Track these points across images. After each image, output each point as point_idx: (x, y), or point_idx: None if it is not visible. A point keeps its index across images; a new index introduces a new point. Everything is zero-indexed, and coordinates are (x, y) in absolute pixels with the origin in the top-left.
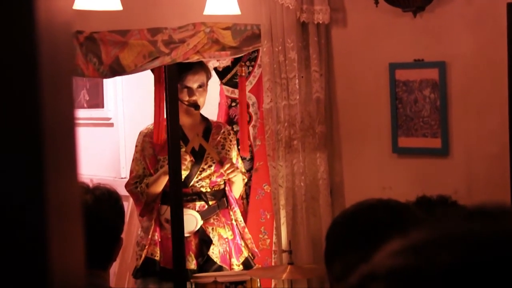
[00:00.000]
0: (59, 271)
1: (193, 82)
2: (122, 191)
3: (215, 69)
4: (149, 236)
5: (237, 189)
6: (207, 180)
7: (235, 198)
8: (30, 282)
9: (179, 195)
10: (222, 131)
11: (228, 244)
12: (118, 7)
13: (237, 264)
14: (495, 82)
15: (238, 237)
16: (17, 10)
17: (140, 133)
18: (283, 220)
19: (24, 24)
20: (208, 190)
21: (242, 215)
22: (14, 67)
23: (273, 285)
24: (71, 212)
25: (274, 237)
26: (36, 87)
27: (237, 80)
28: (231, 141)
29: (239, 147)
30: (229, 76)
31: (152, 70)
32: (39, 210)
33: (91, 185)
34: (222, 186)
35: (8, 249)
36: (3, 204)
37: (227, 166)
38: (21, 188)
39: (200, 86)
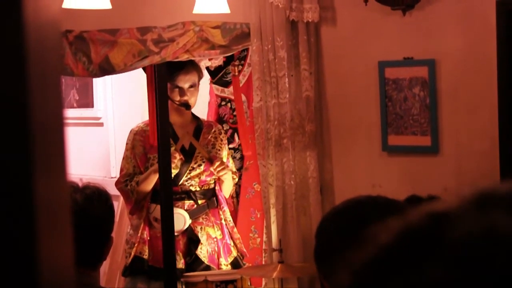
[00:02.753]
0: (48, 270)
1: (184, 82)
2: (112, 191)
3: (207, 68)
4: (138, 235)
5: (227, 188)
6: (197, 179)
7: (225, 198)
8: (18, 282)
9: (169, 193)
10: (213, 130)
11: (217, 243)
12: (108, 6)
13: (225, 264)
14: (485, 80)
15: (227, 237)
16: (4, 8)
17: (131, 131)
18: (273, 218)
19: (12, 22)
20: (198, 189)
21: (232, 214)
22: (1, 66)
23: (263, 283)
24: (60, 211)
25: (264, 236)
26: (24, 86)
27: (227, 79)
28: (221, 140)
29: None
30: (219, 75)
31: (145, 70)
32: (27, 210)
33: (81, 185)
34: (212, 186)
35: None
36: None
37: (217, 164)
38: (9, 187)
39: (191, 86)
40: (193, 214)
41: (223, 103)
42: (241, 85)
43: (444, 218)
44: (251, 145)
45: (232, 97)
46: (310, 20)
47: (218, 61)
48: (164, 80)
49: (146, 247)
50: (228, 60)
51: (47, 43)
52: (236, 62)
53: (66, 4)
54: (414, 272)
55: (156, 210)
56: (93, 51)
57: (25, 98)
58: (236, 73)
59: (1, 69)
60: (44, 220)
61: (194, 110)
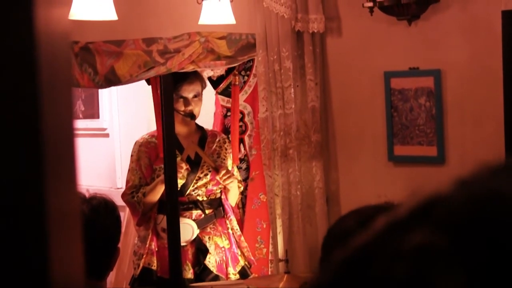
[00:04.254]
0: (59, 280)
1: (188, 92)
2: (118, 201)
3: (209, 78)
4: (146, 246)
5: (232, 197)
6: (203, 189)
7: (231, 207)
8: None
9: (175, 204)
10: (217, 139)
11: (225, 253)
12: (114, 17)
13: (233, 273)
14: (491, 90)
15: (234, 246)
16: (16, 19)
17: (135, 143)
18: (279, 229)
19: (24, 33)
20: (205, 198)
21: (238, 223)
22: (14, 76)
23: None
24: (71, 221)
25: (270, 246)
26: (35, 96)
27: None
28: (226, 149)
29: (232, 155)
30: (224, 85)
31: (148, 82)
32: (39, 219)
33: (87, 195)
34: (219, 195)
35: (9, 258)
36: (4, 213)
37: (222, 172)
38: (21, 197)
39: (195, 96)
40: (201, 224)
41: (229, 113)
42: (246, 95)
43: (433, 198)
44: (256, 156)
45: (239, 108)
46: (315, 31)
47: (220, 71)
48: (170, 91)
49: (155, 258)
50: (230, 70)
51: (58, 54)
52: (238, 72)
53: (72, 16)
54: (399, 239)
55: (164, 221)
56: (98, 62)
57: (37, 108)
58: (236, 83)
59: (13, 80)
60: (56, 229)
61: (200, 121)
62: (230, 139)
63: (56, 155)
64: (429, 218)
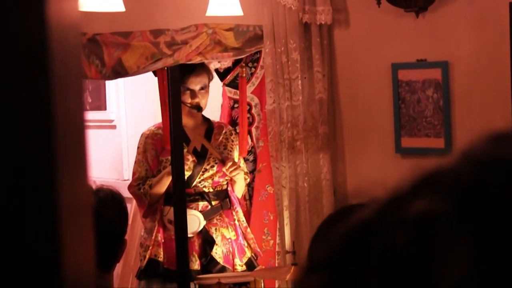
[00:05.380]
0: (70, 272)
1: (195, 84)
2: (125, 193)
3: (216, 70)
4: (153, 237)
5: (239, 189)
6: (210, 181)
7: (238, 198)
8: (42, 284)
9: (182, 195)
10: (224, 131)
11: (231, 244)
12: (121, 8)
13: (240, 265)
14: (498, 82)
15: (241, 237)
16: (28, 11)
17: (142, 134)
18: (286, 221)
19: (35, 24)
20: (211, 190)
21: (245, 215)
22: (25, 67)
23: (277, 286)
24: (82, 213)
25: (277, 238)
26: (47, 88)
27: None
28: (233, 141)
29: (238, 147)
30: (231, 77)
31: (155, 74)
32: (51, 211)
33: (94, 187)
34: (225, 187)
35: (21, 250)
36: (16, 205)
37: (229, 164)
38: (33, 189)
39: (202, 88)
40: (208, 215)
41: (236, 105)
42: (254, 87)
43: (436, 170)
44: (263, 148)
45: (246, 100)
46: (323, 22)
47: (227, 63)
48: (177, 83)
49: (161, 249)
50: (238, 62)
51: (69, 45)
52: (246, 64)
53: (79, 7)
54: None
55: (170, 213)
56: (106, 54)
57: (49, 101)
58: (244, 75)
59: (25, 71)
60: (67, 221)
61: (206, 113)
62: (237, 130)
63: (68, 147)
64: (432, 187)
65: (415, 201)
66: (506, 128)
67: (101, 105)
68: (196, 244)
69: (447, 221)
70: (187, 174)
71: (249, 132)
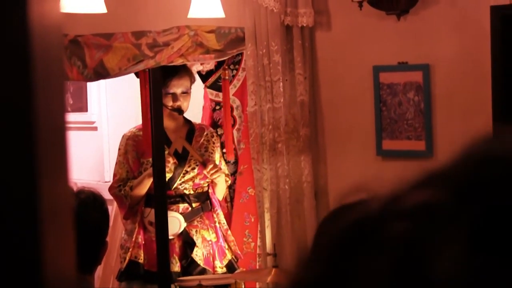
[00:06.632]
0: (51, 275)
1: (177, 87)
2: (106, 195)
3: (199, 72)
4: (133, 239)
5: (220, 191)
6: (190, 183)
7: (218, 200)
8: (23, 286)
9: (163, 197)
10: (205, 133)
11: (212, 246)
12: (103, 10)
13: (220, 266)
14: (479, 84)
15: (221, 240)
16: (9, 12)
17: (123, 136)
18: (267, 223)
19: (17, 26)
20: (192, 192)
21: (226, 218)
22: (6, 69)
23: None
24: (63, 215)
25: (258, 240)
26: (29, 90)
27: (221, 83)
28: (214, 143)
29: (224, 150)
30: (212, 79)
31: (137, 75)
32: (32, 213)
33: (75, 189)
34: (206, 189)
35: (1, 252)
36: None
37: (210, 167)
38: (14, 191)
39: (184, 92)
40: (188, 217)
41: (217, 107)
42: (235, 89)
43: (433, 170)
44: (245, 150)
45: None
46: (304, 25)
47: (210, 65)
48: (159, 85)
49: (142, 251)
50: (220, 64)
51: (51, 46)
52: (226, 66)
53: (61, 8)
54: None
55: (151, 214)
56: (87, 55)
57: (30, 101)
58: (226, 77)
59: (6, 72)
60: (48, 223)
61: (188, 115)
62: (218, 133)
63: (49, 148)
64: (430, 182)
65: (412, 195)
66: (502, 128)
67: (82, 106)
68: (176, 246)
69: (443, 213)
70: (168, 176)
71: None
